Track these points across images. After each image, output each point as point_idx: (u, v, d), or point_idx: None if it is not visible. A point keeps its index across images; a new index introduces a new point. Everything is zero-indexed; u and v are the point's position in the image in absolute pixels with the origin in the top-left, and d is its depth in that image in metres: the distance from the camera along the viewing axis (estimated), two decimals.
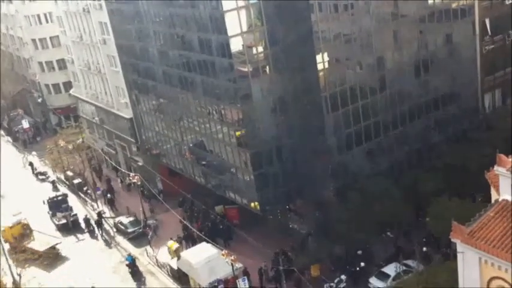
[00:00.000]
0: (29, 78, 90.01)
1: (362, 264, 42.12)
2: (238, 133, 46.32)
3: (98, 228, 56.21)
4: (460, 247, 25.20)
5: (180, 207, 55.46)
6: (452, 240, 25.66)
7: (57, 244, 54.64)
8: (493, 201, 26.47)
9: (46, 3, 74.41)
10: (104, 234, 55.62)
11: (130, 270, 49.70)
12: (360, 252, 43.09)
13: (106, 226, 57.28)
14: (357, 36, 45.11)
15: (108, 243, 54.43)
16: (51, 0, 70.54)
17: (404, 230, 44.13)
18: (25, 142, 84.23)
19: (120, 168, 66.67)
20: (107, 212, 59.62)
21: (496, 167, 25.73)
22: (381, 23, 46.13)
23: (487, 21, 50.58)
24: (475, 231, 24.73)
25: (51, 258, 53.04)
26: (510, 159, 25.60)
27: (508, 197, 25.19)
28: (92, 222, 57.76)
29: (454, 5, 49.41)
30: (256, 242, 46.48)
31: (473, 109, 52.03)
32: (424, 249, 41.24)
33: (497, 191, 26.17)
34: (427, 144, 48.43)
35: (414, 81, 48.53)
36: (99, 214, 57.50)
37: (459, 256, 25.43)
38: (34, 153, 78.57)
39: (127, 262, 50.11)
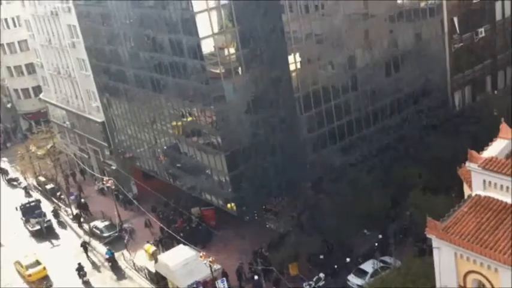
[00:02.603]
0: None
1: (347, 259, 42.41)
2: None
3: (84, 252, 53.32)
4: (436, 242, 25.54)
5: (153, 212, 55.01)
6: (427, 235, 26.01)
7: None
8: (466, 196, 26.93)
9: (14, 7, 73.33)
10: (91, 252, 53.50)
11: (110, 264, 49.92)
12: (321, 256, 43.04)
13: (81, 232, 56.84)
14: (328, 36, 45.52)
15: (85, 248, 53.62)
16: (19, 3, 69.49)
17: (381, 228, 44.49)
18: None
19: (93, 173, 66.07)
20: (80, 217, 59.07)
21: (467, 163, 26.14)
22: (351, 22, 46.61)
23: (456, 19, 51.39)
24: (450, 226, 25.10)
25: None
26: (481, 155, 26.08)
27: (481, 193, 25.65)
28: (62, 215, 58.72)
29: (422, 4, 50.14)
30: (233, 243, 46.46)
31: (443, 106, 52.82)
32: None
33: (470, 186, 26.63)
34: (398, 140, 49.07)
35: (385, 80, 49.15)
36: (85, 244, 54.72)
37: (435, 251, 25.76)
38: (5, 159, 77.36)
39: (107, 256, 50.28)
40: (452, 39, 51.74)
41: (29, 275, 49.66)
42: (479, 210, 25.11)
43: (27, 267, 50.16)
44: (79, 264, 49.01)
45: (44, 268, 50.14)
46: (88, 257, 52.15)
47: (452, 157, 34.85)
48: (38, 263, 50.52)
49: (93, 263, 51.71)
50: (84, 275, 48.86)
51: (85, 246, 52.42)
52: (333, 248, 43.37)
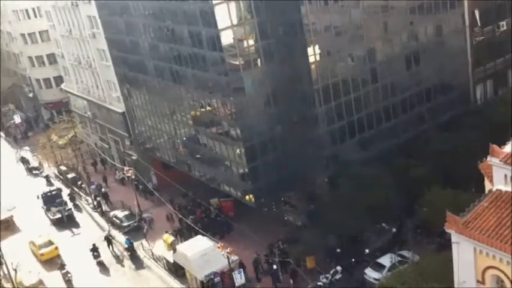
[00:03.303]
0: (19, 73, 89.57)
1: (366, 251, 42.37)
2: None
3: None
4: (455, 237, 25.49)
5: (171, 204, 55.30)
6: (446, 230, 25.94)
7: (11, 217, 59.54)
8: (486, 191, 26.78)
9: None
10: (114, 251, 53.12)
11: (129, 253, 50.51)
12: (338, 250, 42.95)
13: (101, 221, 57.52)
14: (348, 28, 45.24)
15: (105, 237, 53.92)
16: None
17: (399, 221, 44.36)
18: (16, 137, 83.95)
19: (114, 163, 66.61)
20: (102, 206, 59.71)
21: (489, 158, 26.03)
22: (371, 14, 46.25)
23: (477, 12, 50.83)
24: (470, 221, 25.02)
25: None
26: (503, 150, 25.92)
27: (502, 187, 25.50)
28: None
29: None
30: (251, 235, 46.69)
31: (464, 100, 52.34)
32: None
33: (491, 181, 26.48)
34: (419, 135, 48.67)
35: (405, 73, 48.82)
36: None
37: (454, 246, 25.71)
38: (26, 148, 78.32)
39: (126, 246, 50.84)
40: (473, 32, 51.22)
41: (42, 254, 51.89)
42: (499, 205, 25.00)
43: (40, 246, 52.37)
44: (93, 245, 50.35)
45: (56, 248, 52.35)
46: (110, 246, 52.07)
47: (473, 152, 34.47)
48: (50, 242, 52.61)
49: (114, 254, 52.06)
50: (98, 255, 50.15)
51: (109, 239, 52.59)
52: (342, 243, 43.18)
